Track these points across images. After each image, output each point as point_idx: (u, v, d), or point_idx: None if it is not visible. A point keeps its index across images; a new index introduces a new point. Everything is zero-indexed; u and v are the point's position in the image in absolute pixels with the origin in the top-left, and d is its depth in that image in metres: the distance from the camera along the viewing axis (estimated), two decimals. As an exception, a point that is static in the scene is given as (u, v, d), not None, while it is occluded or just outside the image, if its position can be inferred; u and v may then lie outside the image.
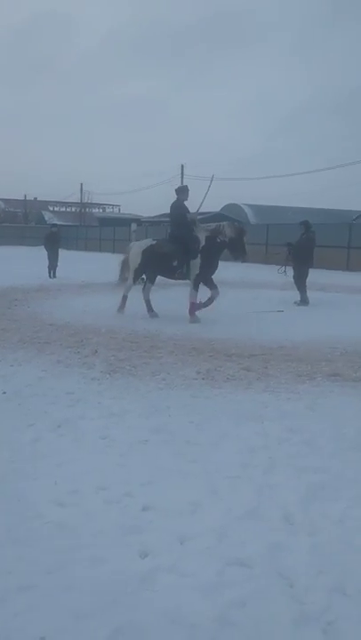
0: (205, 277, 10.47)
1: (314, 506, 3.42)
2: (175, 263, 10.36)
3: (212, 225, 10.85)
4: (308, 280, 13.18)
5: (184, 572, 2.72)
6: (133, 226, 21.64)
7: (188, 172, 61.95)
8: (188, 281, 10.60)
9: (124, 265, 11.15)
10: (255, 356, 7.38)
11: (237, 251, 10.62)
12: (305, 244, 13.35)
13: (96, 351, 7.49)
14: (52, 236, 20.96)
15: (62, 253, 20.97)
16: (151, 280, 11.02)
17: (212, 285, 10.58)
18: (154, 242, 10.94)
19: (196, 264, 10.30)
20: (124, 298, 11.00)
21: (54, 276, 19.53)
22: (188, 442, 4.40)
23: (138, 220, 41.15)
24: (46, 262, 20.07)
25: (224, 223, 11.00)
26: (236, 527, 3.15)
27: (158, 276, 11.04)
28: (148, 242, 11.08)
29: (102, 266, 24.95)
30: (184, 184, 11.38)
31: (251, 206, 53.13)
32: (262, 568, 2.76)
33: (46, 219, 64.92)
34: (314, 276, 13.91)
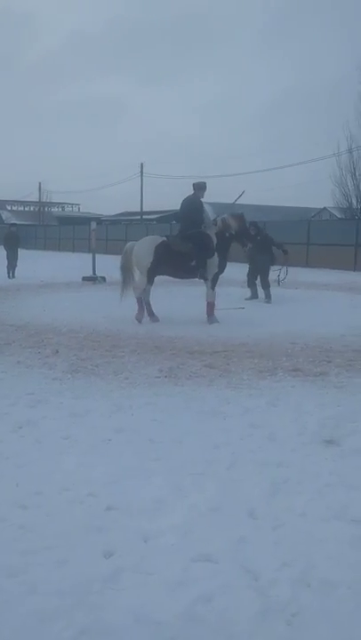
0: (218, 276, 10.09)
1: (277, 500, 3.46)
2: (193, 263, 9.80)
3: (217, 220, 10.26)
4: (269, 276, 13.42)
5: (149, 570, 2.71)
6: (93, 224, 21.40)
7: (148, 170, 61.85)
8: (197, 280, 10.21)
9: (127, 269, 10.10)
10: (217, 352, 7.41)
11: (245, 238, 10.53)
12: (264, 242, 13.56)
13: (57, 351, 7.42)
14: (10, 235, 20.72)
15: (21, 253, 20.70)
16: (151, 281, 10.05)
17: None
18: (164, 238, 10.10)
19: (214, 263, 9.87)
20: (140, 301, 9.98)
21: (13, 277, 19.28)
22: (151, 440, 4.39)
23: (97, 219, 40.86)
24: (5, 262, 19.80)
25: (226, 216, 10.38)
26: (201, 523, 3.15)
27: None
28: (157, 238, 10.21)
29: (62, 265, 24.77)
30: (203, 180, 10.37)
31: (211, 204, 53.31)
32: (227, 563, 2.77)
33: (4, 218, 63.98)
34: (273, 272, 14.07)
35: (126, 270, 10.13)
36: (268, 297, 13.10)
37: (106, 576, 2.66)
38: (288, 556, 2.83)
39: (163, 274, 10.17)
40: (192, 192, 10.10)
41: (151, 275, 9.92)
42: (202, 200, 10.13)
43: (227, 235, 10.07)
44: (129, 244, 10.32)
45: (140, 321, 9.75)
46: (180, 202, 10.29)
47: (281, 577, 2.67)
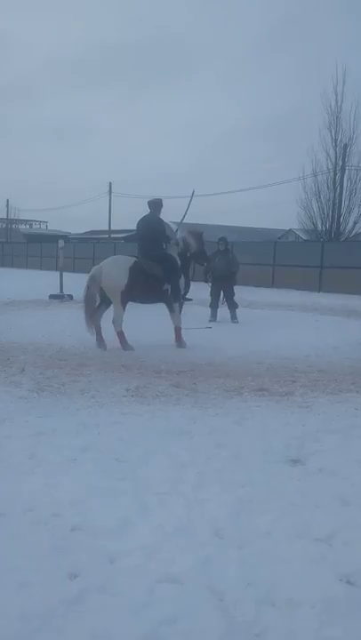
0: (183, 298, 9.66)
1: (242, 519, 3.47)
2: (165, 286, 9.29)
3: (178, 240, 9.85)
4: (234, 296, 13.50)
5: (114, 592, 2.69)
6: (61, 242, 21.32)
7: (116, 189, 62.00)
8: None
9: (91, 299, 9.08)
10: (184, 372, 7.43)
11: (202, 258, 10.42)
12: (233, 260, 13.70)
13: (23, 369, 7.34)
14: (-24, 252, 20.52)
15: (-13, 270, 20.51)
16: (107, 304, 9.26)
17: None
18: (135, 258, 9.20)
19: (180, 284, 9.50)
20: (121, 334, 8.95)
21: (-21, 293, 19.05)
22: (117, 459, 4.37)
23: (65, 237, 40.74)
24: (-30, 279, 19.58)
25: (185, 235, 10.06)
26: (167, 543, 3.15)
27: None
28: (127, 258, 9.33)
29: (29, 283, 24.57)
30: (158, 197, 9.73)
31: (176, 223, 53.63)
32: (193, 583, 2.77)
33: (-29, 235, 63.29)
34: (240, 292, 14.22)
35: (91, 302, 9.11)
36: (234, 317, 13.16)
37: (70, 598, 2.63)
38: (253, 576, 2.84)
39: (133, 299, 9.27)
40: (148, 211, 9.62)
41: (126, 299, 9.03)
42: (161, 218, 9.64)
43: (187, 254, 9.87)
44: (94, 268, 9.21)
45: (128, 349, 8.84)
46: (137, 221, 9.74)
47: (246, 597, 2.67)
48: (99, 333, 9.12)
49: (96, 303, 9.15)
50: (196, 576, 2.83)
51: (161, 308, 9.86)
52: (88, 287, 9.14)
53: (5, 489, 3.78)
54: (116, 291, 8.99)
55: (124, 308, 9.10)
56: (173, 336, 9.57)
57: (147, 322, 9.73)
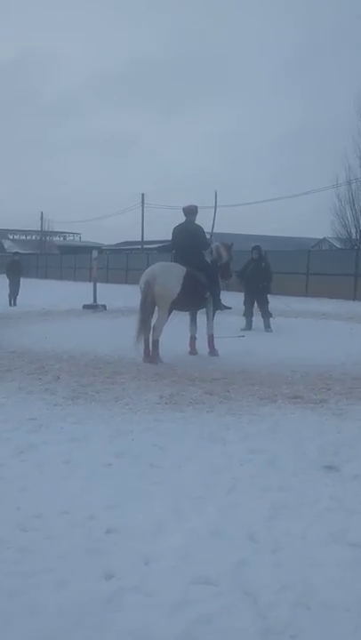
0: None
1: (276, 524, 3.47)
2: (207, 294, 9.32)
3: (212, 248, 9.85)
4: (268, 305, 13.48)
5: (149, 592, 2.72)
6: (94, 253, 21.58)
7: (151, 201, 62.49)
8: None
9: (148, 305, 8.72)
10: (217, 380, 7.44)
11: (227, 272, 10.37)
12: (266, 269, 13.71)
13: (58, 377, 7.46)
14: (13, 264, 20.95)
15: (23, 281, 20.88)
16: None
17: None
18: (185, 267, 8.96)
19: (218, 293, 9.53)
20: (156, 343, 8.74)
21: (15, 304, 19.40)
22: (151, 465, 4.41)
23: (99, 248, 41.21)
24: (7, 290, 19.94)
25: (218, 244, 10.09)
26: (201, 546, 3.17)
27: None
28: (180, 266, 9.01)
29: (63, 293, 24.91)
30: (193, 204, 9.55)
31: (208, 232, 53.74)
32: (227, 585, 2.78)
33: (6, 247, 64.50)
34: (274, 301, 14.19)
35: (148, 310, 8.73)
36: (268, 326, 13.12)
37: (106, 597, 2.67)
38: (287, 579, 2.84)
39: (176, 307, 9.10)
40: (183, 219, 9.53)
41: (172, 308, 8.89)
42: (199, 225, 9.51)
43: (217, 264, 9.87)
44: (148, 275, 8.83)
45: (157, 361, 8.58)
46: (172, 229, 9.61)
47: (280, 599, 2.67)
48: (147, 346, 8.77)
49: (153, 311, 8.84)
50: (231, 578, 2.84)
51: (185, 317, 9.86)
52: (145, 295, 8.74)
53: (42, 492, 3.85)
54: (168, 298, 8.75)
55: (168, 317, 8.98)
56: (206, 344, 9.57)
57: (178, 330, 9.75)
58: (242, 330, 12.83)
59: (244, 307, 13.53)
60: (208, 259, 9.58)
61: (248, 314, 13.41)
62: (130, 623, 2.49)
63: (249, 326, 13.22)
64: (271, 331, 12.95)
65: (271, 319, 13.25)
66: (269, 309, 13.48)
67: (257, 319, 13.32)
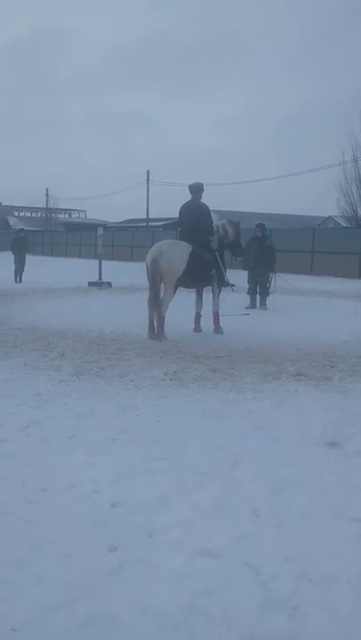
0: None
1: (279, 499, 3.50)
2: (213, 272, 9.38)
3: (218, 227, 9.82)
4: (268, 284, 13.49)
5: (153, 564, 2.77)
6: (100, 231, 21.52)
7: (157, 178, 62.04)
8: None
9: (157, 279, 8.87)
10: (221, 357, 7.46)
11: (237, 248, 10.38)
12: (271, 248, 13.67)
13: (63, 354, 7.49)
14: (18, 241, 20.92)
15: (28, 258, 20.89)
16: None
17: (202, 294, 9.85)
18: (191, 245, 9.00)
19: (223, 270, 9.58)
20: (162, 321, 8.77)
21: (20, 281, 19.42)
22: (155, 440, 4.44)
23: (104, 226, 41.06)
24: (12, 267, 19.95)
25: (224, 223, 10.07)
26: (204, 520, 3.21)
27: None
28: (186, 244, 9.05)
29: (68, 270, 24.92)
30: (198, 182, 9.58)
31: (214, 211, 53.48)
32: (230, 558, 2.82)
33: (11, 224, 64.35)
34: (279, 280, 14.15)
35: (157, 286, 8.89)
36: (264, 304, 13.13)
37: (110, 569, 2.71)
38: (289, 553, 2.88)
39: (182, 284, 9.19)
40: (190, 197, 9.51)
41: (178, 284, 8.98)
42: (205, 203, 9.51)
43: (224, 242, 9.83)
44: (154, 252, 8.95)
45: (162, 338, 8.64)
46: (179, 208, 9.64)
47: (282, 572, 2.71)
48: (152, 323, 8.84)
49: (160, 288, 8.92)
50: (233, 551, 2.88)
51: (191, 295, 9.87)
52: (153, 272, 8.86)
53: (47, 466, 3.89)
54: (173, 275, 8.81)
55: (174, 293, 9.02)
56: (211, 321, 9.60)
57: (183, 308, 9.75)
58: (246, 308, 12.81)
59: (247, 285, 13.50)
60: (215, 236, 9.53)
61: (252, 292, 13.41)
62: (134, 593, 2.53)
63: (253, 304, 13.22)
64: (267, 309, 12.95)
65: (272, 295, 13.24)
66: (275, 287, 13.47)
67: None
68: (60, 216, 73.36)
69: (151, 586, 2.59)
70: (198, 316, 9.71)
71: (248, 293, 13.40)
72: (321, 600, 2.52)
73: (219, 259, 9.47)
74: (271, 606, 2.47)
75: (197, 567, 2.73)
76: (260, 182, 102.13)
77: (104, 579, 2.65)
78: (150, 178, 52.48)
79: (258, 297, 13.34)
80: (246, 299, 13.31)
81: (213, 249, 9.37)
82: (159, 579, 2.64)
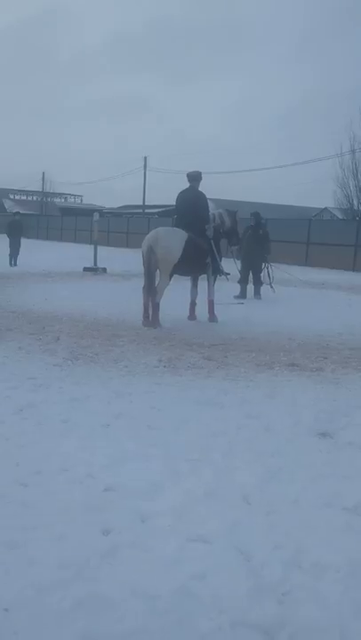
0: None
1: (271, 487, 3.54)
2: (208, 260, 9.40)
3: (215, 215, 9.84)
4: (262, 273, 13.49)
5: (145, 548, 2.80)
6: (96, 216, 21.41)
7: (152, 164, 61.78)
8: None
9: (153, 263, 8.82)
10: (215, 345, 7.49)
11: (234, 237, 10.38)
12: (264, 237, 13.66)
13: (58, 338, 7.50)
14: (14, 224, 20.81)
15: (23, 242, 20.80)
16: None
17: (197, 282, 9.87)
18: (187, 233, 8.99)
19: (218, 259, 9.56)
20: (157, 308, 8.79)
21: (15, 265, 19.36)
22: (149, 426, 4.47)
23: (100, 211, 40.88)
24: (7, 250, 19.87)
25: (221, 211, 10.09)
26: (196, 506, 3.24)
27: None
28: (182, 231, 9.03)
29: (64, 255, 24.82)
30: (197, 170, 9.61)
31: (211, 200, 53.37)
32: (221, 544, 2.85)
33: (7, 207, 63.95)
34: (278, 272, 14.15)
35: (152, 273, 8.88)
36: (258, 293, 13.11)
37: (103, 552, 2.74)
38: (280, 540, 2.91)
39: (177, 272, 9.19)
40: (188, 185, 9.53)
41: (173, 272, 8.98)
42: (202, 191, 9.50)
43: (220, 231, 9.85)
44: (150, 239, 8.88)
45: (157, 325, 8.65)
46: (176, 195, 9.65)
47: (273, 559, 2.75)
48: (147, 310, 8.84)
49: (155, 275, 8.93)
50: (225, 537, 2.91)
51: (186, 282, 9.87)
52: (148, 259, 8.83)
53: (41, 449, 3.91)
54: (169, 262, 8.80)
55: (169, 281, 9.01)
56: (206, 310, 9.60)
57: (178, 295, 9.74)
58: (235, 297, 12.76)
59: (239, 274, 13.40)
60: (210, 226, 9.52)
61: (243, 281, 13.34)
62: (126, 576, 2.56)
63: (243, 294, 13.16)
64: (260, 299, 12.95)
65: (267, 286, 13.24)
66: (272, 277, 13.45)
67: (250, 287, 13.31)
68: (55, 200, 72.96)
69: (143, 569, 2.62)
70: (193, 304, 9.72)
71: (239, 282, 13.34)
72: (311, 587, 2.56)
73: (214, 247, 9.48)
74: (261, 592, 2.50)
75: (189, 552, 2.77)
76: (257, 172, 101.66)
77: (97, 561, 2.67)
78: (148, 165, 52.37)
79: (249, 287, 13.28)
80: (236, 288, 13.27)
81: (209, 237, 9.39)
82: (151, 562, 2.67)
